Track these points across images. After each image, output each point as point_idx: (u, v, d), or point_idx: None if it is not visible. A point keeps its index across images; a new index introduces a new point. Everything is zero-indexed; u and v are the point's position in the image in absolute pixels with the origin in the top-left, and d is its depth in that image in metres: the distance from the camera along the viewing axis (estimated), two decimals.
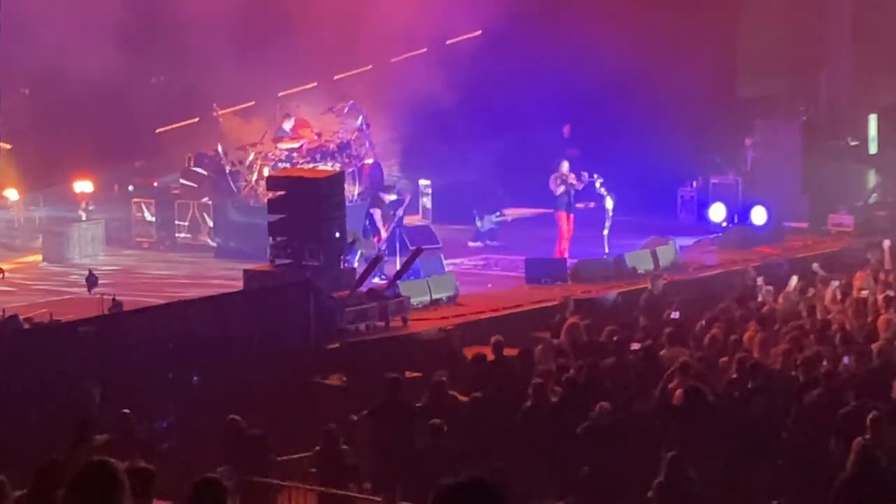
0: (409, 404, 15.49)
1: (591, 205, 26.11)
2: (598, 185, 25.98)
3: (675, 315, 19.87)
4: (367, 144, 28.97)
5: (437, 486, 5.26)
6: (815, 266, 23.47)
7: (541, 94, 29.68)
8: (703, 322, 19.31)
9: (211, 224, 28.33)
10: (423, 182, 30.77)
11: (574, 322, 19.22)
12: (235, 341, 18.91)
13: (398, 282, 21.65)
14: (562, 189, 25.82)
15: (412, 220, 27.93)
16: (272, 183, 23.39)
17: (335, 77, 31.65)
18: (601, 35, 28.01)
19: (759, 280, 22.76)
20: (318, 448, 15.02)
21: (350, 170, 27.73)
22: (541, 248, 26.46)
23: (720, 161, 30.63)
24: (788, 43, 30.49)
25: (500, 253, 27.95)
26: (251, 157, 28.68)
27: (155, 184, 30.26)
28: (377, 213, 25.06)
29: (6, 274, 26.14)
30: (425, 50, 31.63)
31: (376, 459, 15.40)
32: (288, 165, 27.59)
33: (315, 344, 19.81)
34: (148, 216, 29.19)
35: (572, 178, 25.82)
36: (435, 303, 22.62)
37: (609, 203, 26.03)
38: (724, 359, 17.10)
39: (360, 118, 28.97)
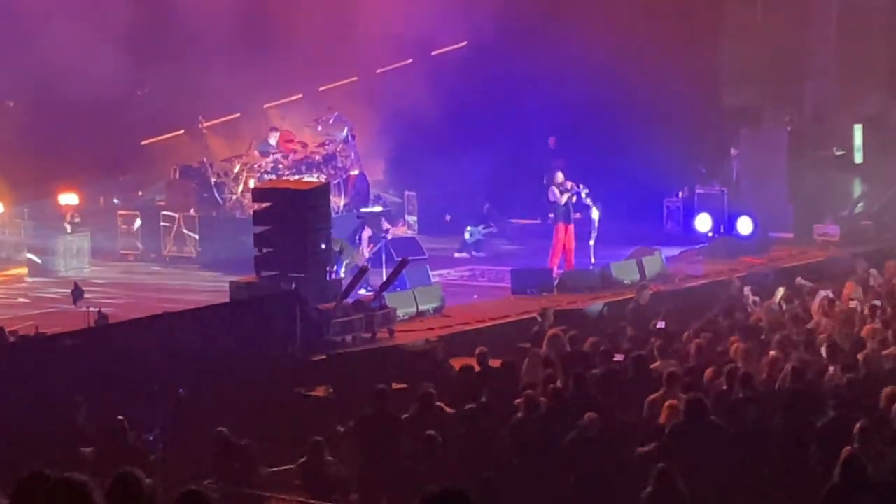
0: (396, 416, 15.45)
1: (577, 215, 26.15)
2: (584, 195, 26.03)
3: (661, 325, 19.88)
4: (353, 156, 28.97)
5: (420, 496, 5.27)
6: (800, 280, 23.49)
7: (527, 105, 29.74)
8: (690, 332, 19.33)
9: (197, 236, 28.27)
10: (408, 193, 30.76)
11: (555, 333, 19.18)
12: (221, 353, 18.83)
13: (384, 293, 21.62)
14: (565, 198, 25.76)
15: (398, 232, 27.94)
16: (258, 194, 23.33)
17: (321, 88, 31.66)
18: (587, 47, 28.10)
19: (747, 290, 22.78)
20: (304, 460, 14.96)
21: (336, 181, 27.73)
22: (529, 260, 26.49)
23: (706, 171, 30.68)
24: (773, 52, 30.54)
25: (486, 264, 27.97)
26: (237, 168, 28.67)
27: (140, 194, 30.21)
28: (366, 233, 25.13)
29: None
30: (411, 61, 31.66)
31: (363, 471, 15.36)
32: (274, 177, 27.58)
33: (301, 355, 19.75)
34: (133, 229, 29.14)
35: (571, 185, 25.84)
36: (421, 314, 22.57)
37: (595, 213, 26.09)
38: (710, 369, 17.09)
39: (346, 129, 28.98)
